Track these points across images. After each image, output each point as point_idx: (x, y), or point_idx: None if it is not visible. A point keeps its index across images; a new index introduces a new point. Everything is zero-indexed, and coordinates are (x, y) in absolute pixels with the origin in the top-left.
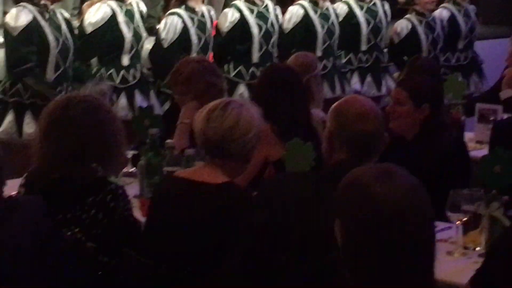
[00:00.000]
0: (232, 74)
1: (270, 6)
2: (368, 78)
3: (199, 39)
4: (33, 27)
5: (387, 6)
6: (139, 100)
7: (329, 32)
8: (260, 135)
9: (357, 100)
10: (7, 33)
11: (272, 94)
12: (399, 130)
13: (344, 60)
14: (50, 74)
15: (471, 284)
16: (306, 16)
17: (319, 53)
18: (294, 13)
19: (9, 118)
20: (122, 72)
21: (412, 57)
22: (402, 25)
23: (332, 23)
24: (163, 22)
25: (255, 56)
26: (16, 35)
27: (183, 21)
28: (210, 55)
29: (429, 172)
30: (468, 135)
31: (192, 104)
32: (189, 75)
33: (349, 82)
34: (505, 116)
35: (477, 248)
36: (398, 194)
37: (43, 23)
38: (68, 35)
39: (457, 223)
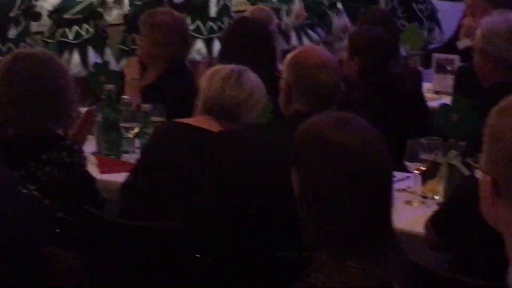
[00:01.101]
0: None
1: None
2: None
3: None
4: None
5: None
6: (92, 56)
7: None
8: None
9: (315, 50)
10: None
11: (245, 49)
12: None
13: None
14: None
15: (432, 224)
16: None
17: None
18: None
19: None
20: (75, 27)
21: (367, 8)
22: None
23: None
24: None
25: (213, 10)
26: None
27: None
28: None
29: (387, 122)
30: (426, 86)
31: (135, 59)
32: (160, 23)
33: (306, 33)
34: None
35: (436, 197)
36: (355, 141)
37: None
38: None
39: (415, 172)
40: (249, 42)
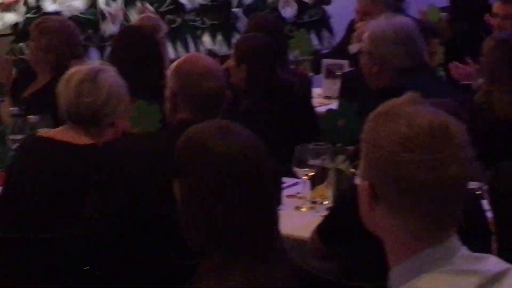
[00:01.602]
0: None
1: None
2: (219, 37)
3: None
4: None
5: None
6: None
7: None
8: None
9: (199, 58)
10: None
11: (131, 57)
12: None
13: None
14: None
15: (318, 232)
16: None
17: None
18: None
19: None
20: None
21: (252, 15)
22: None
23: None
24: None
25: None
26: None
27: None
28: None
29: (275, 128)
30: (317, 91)
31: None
32: (47, 28)
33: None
34: None
35: (325, 202)
36: (236, 149)
37: None
38: None
39: (304, 177)
40: (135, 50)
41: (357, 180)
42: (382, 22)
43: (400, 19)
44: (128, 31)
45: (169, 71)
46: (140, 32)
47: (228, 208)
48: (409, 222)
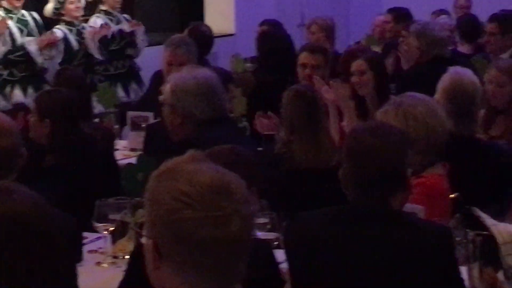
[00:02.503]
0: None
1: None
2: (30, 89)
3: None
4: None
5: (36, 15)
6: None
7: None
8: None
9: None
10: None
11: None
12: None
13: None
14: None
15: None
16: None
17: None
18: None
19: None
20: None
21: (60, 68)
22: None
23: None
24: None
25: None
26: None
27: None
28: None
29: (79, 184)
30: (122, 143)
31: None
32: None
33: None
34: None
35: (126, 256)
36: (15, 211)
37: None
38: None
39: (105, 232)
40: None
41: (144, 239)
42: (184, 74)
43: (202, 71)
44: None
45: None
46: None
47: (8, 270)
48: (193, 280)
